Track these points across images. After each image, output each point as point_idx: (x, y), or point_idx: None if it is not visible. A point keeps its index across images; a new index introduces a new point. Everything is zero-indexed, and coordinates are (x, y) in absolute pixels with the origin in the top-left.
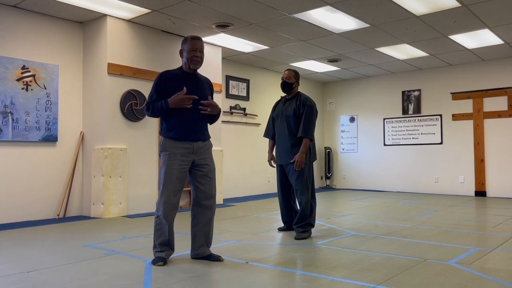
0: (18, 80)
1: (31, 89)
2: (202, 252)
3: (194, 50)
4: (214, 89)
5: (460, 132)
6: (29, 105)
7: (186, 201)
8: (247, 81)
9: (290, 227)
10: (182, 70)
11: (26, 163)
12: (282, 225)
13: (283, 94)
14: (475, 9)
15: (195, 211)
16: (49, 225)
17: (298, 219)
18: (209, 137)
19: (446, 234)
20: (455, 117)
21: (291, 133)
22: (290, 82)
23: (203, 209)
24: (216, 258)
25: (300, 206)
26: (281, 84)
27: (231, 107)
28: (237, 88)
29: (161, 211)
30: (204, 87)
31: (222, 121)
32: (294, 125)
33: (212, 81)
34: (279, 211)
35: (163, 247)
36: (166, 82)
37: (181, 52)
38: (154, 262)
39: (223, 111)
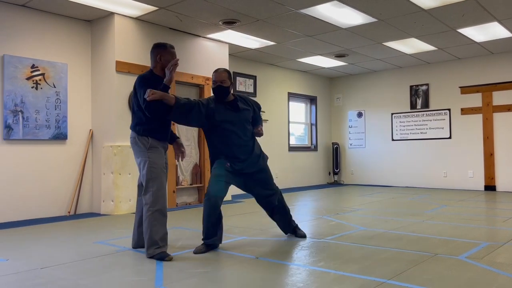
0: (28, 79)
1: (41, 88)
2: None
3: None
4: None
5: (469, 126)
6: (39, 103)
7: (195, 197)
8: (254, 77)
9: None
10: (153, 73)
11: (37, 161)
12: None
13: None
14: (483, 2)
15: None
16: (60, 222)
17: (290, 220)
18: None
19: (456, 228)
20: (464, 111)
21: (250, 139)
22: (226, 86)
23: None
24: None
25: (284, 208)
26: (214, 88)
27: None
28: (244, 85)
29: (160, 205)
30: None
31: None
32: (251, 129)
33: None
34: None
35: (163, 242)
36: (149, 84)
37: (160, 57)
38: (162, 257)
39: None
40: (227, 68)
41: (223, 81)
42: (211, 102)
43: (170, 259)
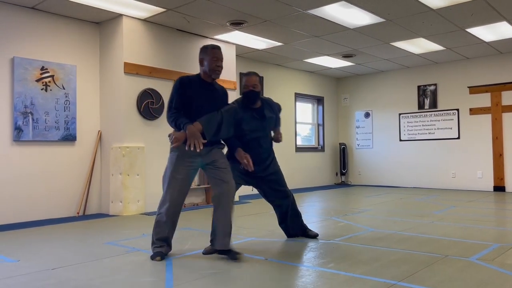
0: (38, 80)
1: (50, 90)
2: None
3: (215, 60)
4: (229, 87)
5: (477, 127)
6: (48, 105)
7: (202, 198)
8: (261, 78)
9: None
10: (200, 77)
11: (46, 162)
12: None
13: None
14: (492, 2)
15: (215, 203)
16: (69, 223)
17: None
18: (219, 142)
19: (465, 230)
20: (473, 111)
21: (270, 146)
22: (257, 91)
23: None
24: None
25: (296, 212)
26: (245, 93)
27: None
28: None
29: (164, 209)
30: (220, 97)
31: None
32: (271, 136)
33: (226, 79)
34: None
35: (162, 242)
36: (185, 88)
37: (201, 61)
38: (152, 257)
39: None
40: (234, 69)
41: (255, 86)
42: (239, 111)
43: (158, 260)
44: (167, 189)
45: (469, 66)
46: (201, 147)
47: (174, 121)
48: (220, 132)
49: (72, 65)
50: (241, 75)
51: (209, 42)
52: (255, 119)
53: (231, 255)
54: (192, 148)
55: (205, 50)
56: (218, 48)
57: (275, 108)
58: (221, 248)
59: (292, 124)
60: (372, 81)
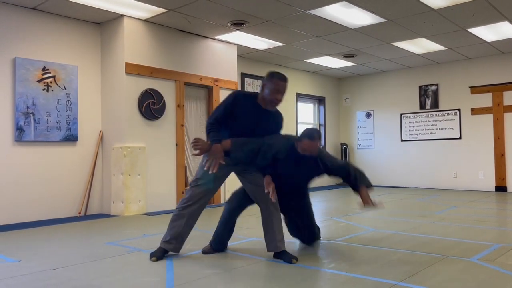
0: (39, 81)
1: (52, 90)
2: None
3: (276, 92)
4: (230, 87)
5: (479, 127)
6: (50, 105)
7: None
8: (262, 78)
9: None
10: (256, 100)
11: (48, 163)
12: None
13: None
14: (494, 1)
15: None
16: (71, 223)
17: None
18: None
19: (467, 230)
20: (474, 111)
21: (303, 187)
22: (314, 155)
23: (261, 209)
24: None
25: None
26: (299, 153)
27: None
28: (253, 86)
29: (186, 205)
30: (270, 125)
31: None
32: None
33: (227, 79)
34: None
35: (173, 239)
36: (236, 104)
37: (263, 86)
38: (151, 255)
39: None
40: (235, 69)
41: (314, 152)
42: (282, 153)
43: (153, 260)
44: (193, 187)
45: (470, 66)
46: (215, 170)
47: (208, 132)
48: (253, 160)
49: (74, 66)
50: (304, 133)
51: (210, 42)
52: (290, 174)
53: (285, 257)
54: (205, 168)
55: (271, 78)
56: (284, 80)
57: (329, 171)
58: (271, 251)
59: (293, 125)
60: (373, 81)
